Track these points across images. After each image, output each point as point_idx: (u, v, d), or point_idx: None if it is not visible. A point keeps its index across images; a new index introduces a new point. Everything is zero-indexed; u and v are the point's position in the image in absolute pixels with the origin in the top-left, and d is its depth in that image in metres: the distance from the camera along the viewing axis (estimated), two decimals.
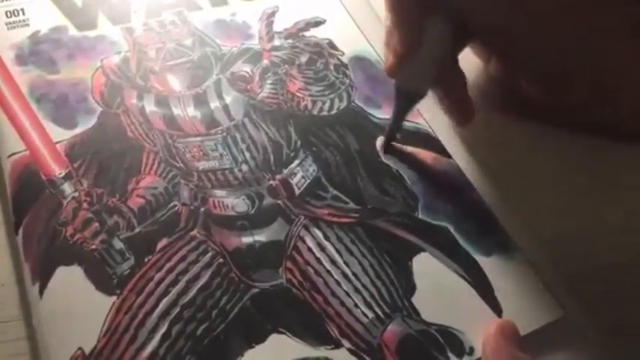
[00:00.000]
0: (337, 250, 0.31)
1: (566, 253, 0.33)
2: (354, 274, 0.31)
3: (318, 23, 0.41)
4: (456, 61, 0.36)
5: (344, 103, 0.37)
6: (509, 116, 0.38)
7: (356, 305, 0.30)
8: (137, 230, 0.31)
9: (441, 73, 0.34)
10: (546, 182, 0.37)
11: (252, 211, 0.32)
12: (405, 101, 0.34)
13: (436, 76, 0.34)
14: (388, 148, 0.36)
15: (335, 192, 0.34)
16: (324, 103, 0.37)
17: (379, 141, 0.36)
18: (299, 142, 0.35)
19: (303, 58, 0.39)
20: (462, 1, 0.33)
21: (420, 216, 0.33)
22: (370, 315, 0.29)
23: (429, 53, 0.33)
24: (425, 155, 0.36)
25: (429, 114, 0.38)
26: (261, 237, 0.31)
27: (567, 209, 0.36)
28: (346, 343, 0.28)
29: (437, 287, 0.31)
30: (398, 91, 0.34)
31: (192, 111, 0.35)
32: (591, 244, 0.34)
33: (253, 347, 0.28)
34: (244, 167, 0.34)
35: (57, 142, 0.33)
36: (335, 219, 0.33)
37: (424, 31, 0.33)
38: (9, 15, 0.38)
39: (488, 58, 0.39)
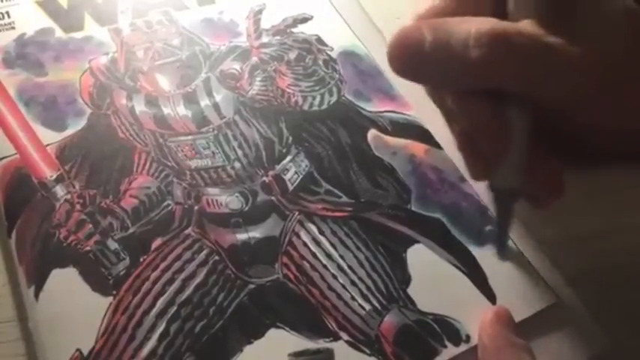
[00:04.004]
0: (332, 244, 0.31)
1: (564, 252, 0.34)
2: (349, 267, 0.31)
3: (305, 20, 0.41)
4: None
5: (334, 98, 0.38)
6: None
7: (353, 298, 0.30)
8: (131, 230, 0.31)
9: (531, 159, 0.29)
10: None
11: (246, 208, 0.32)
12: (506, 201, 0.31)
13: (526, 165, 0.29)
14: (503, 254, 0.33)
15: (328, 186, 0.34)
16: (314, 99, 0.37)
17: (370, 134, 0.36)
18: (291, 138, 0.35)
19: (292, 55, 0.39)
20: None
21: (412, 208, 0.34)
22: (367, 307, 0.30)
23: (517, 147, 0.28)
24: (417, 147, 0.36)
25: (420, 106, 0.38)
26: (255, 233, 0.31)
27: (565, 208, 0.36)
28: (344, 336, 0.29)
29: (432, 278, 0.31)
30: (495, 192, 0.31)
31: (182, 110, 0.35)
32: (590, 244, 0.35)
33: (252, 343, 0.28)
34: (237, 164, 0.34)
35: (47, 145, 0.33)
36: (329, 213, 0.33)
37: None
38: None
39: None
